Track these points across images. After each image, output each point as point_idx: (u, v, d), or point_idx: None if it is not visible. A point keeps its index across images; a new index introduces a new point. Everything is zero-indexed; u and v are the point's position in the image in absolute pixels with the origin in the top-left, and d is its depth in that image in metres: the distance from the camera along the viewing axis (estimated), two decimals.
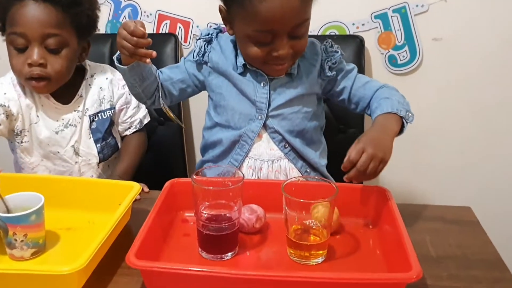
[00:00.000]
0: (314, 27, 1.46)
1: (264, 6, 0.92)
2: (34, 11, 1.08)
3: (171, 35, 1.51)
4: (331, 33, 1.47)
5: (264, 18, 0.93)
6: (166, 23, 1.53)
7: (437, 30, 1.44)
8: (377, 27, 1.46)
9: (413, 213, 1.00)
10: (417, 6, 1.42)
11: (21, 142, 1.20)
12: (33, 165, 1.22)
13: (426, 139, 1.55)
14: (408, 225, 0.85)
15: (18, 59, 1.11)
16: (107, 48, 1.49)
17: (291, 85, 1.07)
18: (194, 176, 0.85)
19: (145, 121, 1.34)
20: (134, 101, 1.30)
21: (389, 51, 1.47)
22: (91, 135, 1.23)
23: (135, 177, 1.26)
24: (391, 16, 1.44)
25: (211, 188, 0.83)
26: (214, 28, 1.12)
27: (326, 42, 1.10)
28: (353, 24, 1.46)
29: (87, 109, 1.22)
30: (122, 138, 1.33)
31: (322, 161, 1.13)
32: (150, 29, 1.52)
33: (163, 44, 1.48)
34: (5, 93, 1.16)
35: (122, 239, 0.87)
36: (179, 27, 1.53)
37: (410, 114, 1.01)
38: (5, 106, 1.15)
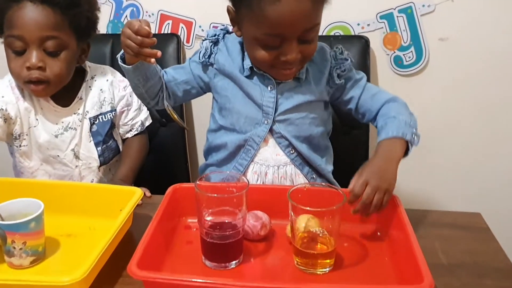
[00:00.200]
0: None
1: (273, 10, 0.89)
2: (32, 13, 1.06)
3: (173, 35, 1.49)
4: (336, 34, 1.45)
5: (273, 22, 0.90)
6: (168, 23, 1.52)
7: (443, 30, 1.42)
8: (382, 28, 1.44)
9: (421, 218, 0.98)
10: (423, 6, 1.40)
11: (20, 146, 1.18)
12: (32, 169, 1.20)
13: (432, 141, 1.52)
14: (416, 231, 0.83)
15: (16, 62, 1.09)
16: (108, 48, 1.47)
17: (299, 90, 1.04)
18: (198, 182, 0.83)
19: (147, 123, 1.32)
20: (135, 103, 1.28)
21: (394, 52, 1.45)
22: (91, 138, 1.21)
23: (136, 180, 1.25)
24: (397, 17, 1.42)
25: (215, 195, 0.81)
26: (221, 29, 1.09)
27: (336, 48, 1.07)
28: (358, 24, 1.44)
29: (87, 111, 1.20)
30: (123, 140, 1.31)
31: (328, 167, 1.11)
32: (151, 29, 1.49)
33: (165, 45, 1.46)
34: (2, 96, 1.14)
35: (124, 246, 0.86)
36: (182, 27, 1.51)
37: (415, 138, 0.97)
38: (2, 109, 1.13)
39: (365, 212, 0.86)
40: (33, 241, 0.82)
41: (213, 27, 1.46)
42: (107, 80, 1.24)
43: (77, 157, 1.20)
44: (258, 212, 0.90)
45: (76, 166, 1.21)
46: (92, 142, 1.21)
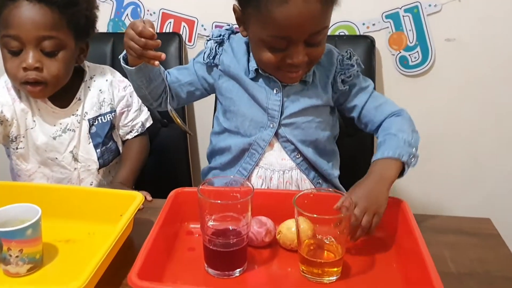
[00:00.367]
0: None
1: (281, 12, 0.86)
2: (29, 12, 1.03)
3: (175, 35, 1.46)
4: (341, 33, 1.43)
5: (280, 24, 0.88)
6: (170, 22, 1.49)
7: (450, 30, 1.40)
8: (388, 27, 1.41)
9: (428, 224, 0.95)
10: (429, 5, 1.38)
11: (17, 148, 1.15)
12: (30, 172, 1.17)
13: (438, 143, 1.51)
14: (424, 237, 0.80)
15: (13, 62, 1.06)
16: (109, 47, 1.45)
17: (306, 94, 1.02)
18: (201, 187, 0.80)
19: (147, 125, 1.29)
20: (135, 104, 1.25)
21: (400, 52, 1.43)
22: (90, 140, 1.18)
23: (137, 182, 1.23)
24: (403, 16, 1.40)
25: (219, 201, 0.78)
26: (226, 29, 1.07)
27: (345, 53, 1.04)
28: (364, 24, 1.42)
29: (86, 112, 1.17)
30: (123, 142, 1.28)
31: (335, 172, 1.08)
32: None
33: (167, 44, 1.44)
34: None
35: (124, 252, 0.83)
36: (183, 26, 1.49)
37: (413, 159, 0.93)
38: None
39: (353, 232, 0.82)
40: (30, 249, 0.79)
41: (216, 26, 1.44)
42: (107, 80, 1.21)
43: (75, 159, 1.18)
44: (263, 217, 0.87)
45: (75, 169, 1.18)
46: (91, 144, 1.18)
